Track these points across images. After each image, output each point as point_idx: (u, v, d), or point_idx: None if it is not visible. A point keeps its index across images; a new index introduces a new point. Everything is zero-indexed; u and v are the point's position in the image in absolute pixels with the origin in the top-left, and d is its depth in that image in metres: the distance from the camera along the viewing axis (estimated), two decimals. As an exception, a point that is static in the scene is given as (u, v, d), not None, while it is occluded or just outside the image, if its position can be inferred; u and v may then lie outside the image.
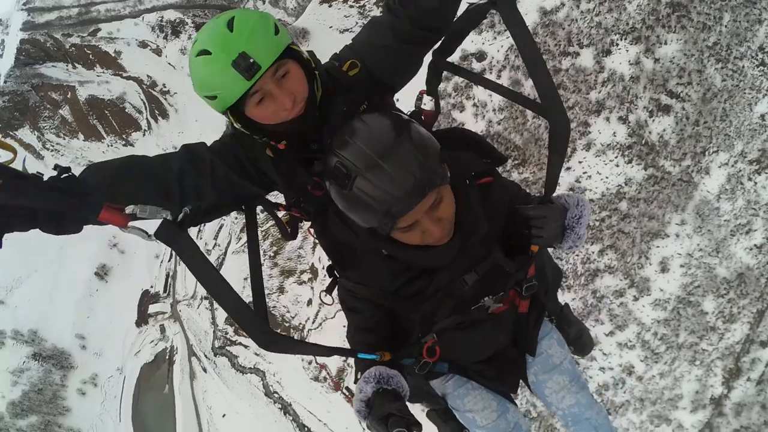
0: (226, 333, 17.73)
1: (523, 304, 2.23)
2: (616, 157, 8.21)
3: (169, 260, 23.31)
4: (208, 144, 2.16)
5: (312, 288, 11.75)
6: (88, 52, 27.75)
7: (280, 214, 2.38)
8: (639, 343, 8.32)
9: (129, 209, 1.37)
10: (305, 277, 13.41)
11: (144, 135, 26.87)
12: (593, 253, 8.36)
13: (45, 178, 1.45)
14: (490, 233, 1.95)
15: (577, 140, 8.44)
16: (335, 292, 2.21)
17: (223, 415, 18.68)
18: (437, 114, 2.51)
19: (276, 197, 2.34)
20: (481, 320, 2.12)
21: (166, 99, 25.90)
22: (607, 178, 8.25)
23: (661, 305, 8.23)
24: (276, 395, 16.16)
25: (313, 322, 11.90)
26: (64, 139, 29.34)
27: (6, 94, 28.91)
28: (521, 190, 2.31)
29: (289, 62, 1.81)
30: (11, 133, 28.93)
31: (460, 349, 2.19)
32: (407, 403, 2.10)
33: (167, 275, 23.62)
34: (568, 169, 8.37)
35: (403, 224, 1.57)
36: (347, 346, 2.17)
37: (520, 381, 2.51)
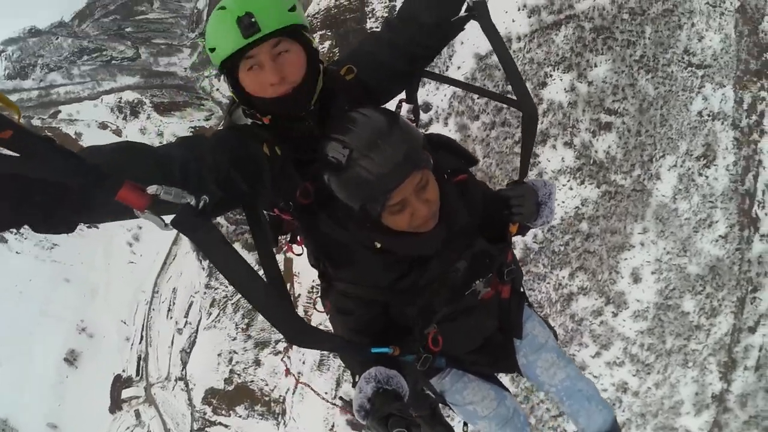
0: (205, 413, 17.08)
1: (505, 290, 2.32)
2: (568, 181, 8.35)
3: (140, 342, 22.88)
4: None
5: (288, 357, 11.55)
6: (49, 134, 27.65)
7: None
8: (627, 359, 8.32)
9: (152, 189, 1.19)
10: (280, 346, 13.29)
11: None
12: (564, 277, 8.42)
13: None
14: (471, 224, 2.04)
15: (529, 172, 8.46)
16: (333, 298, 2.17)
17: None
18: (416, 122, 2.60)
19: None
20: (471, 308, 2.18)
21: (129, 179, 25.83)
22: (563, 202, 8.37)
23: (641, 316, 8.27)
24: None
25: (293, 393, 11.78)
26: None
27: (-35, 177, 28.47)
28: (489, 187, 2.42)
29: (293, 43, 1.80)
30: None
31: (454, 339, 2.19)
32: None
33: (139, 357, 23.04)
34: (525, 199, 8.48)
35: (393, 201, 1.63)
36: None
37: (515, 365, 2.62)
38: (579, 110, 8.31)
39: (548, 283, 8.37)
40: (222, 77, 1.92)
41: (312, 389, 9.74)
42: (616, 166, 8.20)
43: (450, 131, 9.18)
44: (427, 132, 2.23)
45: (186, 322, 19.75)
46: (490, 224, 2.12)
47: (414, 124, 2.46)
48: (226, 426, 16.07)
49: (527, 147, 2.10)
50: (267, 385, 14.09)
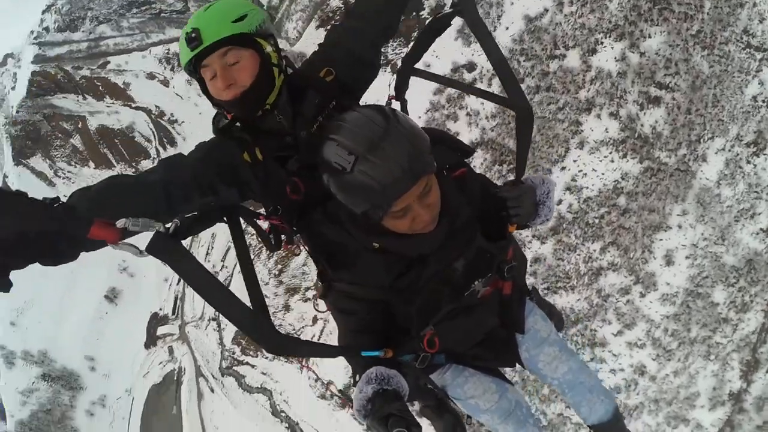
0: (234, 353, 17.77)
1: (506, 286, 2.31)
2: (610, 153, 8.12)
3: (178, 283, 23.50)
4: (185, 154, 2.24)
5: (317, 305, 11.69)
6: (98, 83, 28.33)
7: (264, 225, 2.35)
8: (649, 341, 8.11)
9: (120, 223, 1.33)
10: (310, 293, 13.50)
11: (153, 162, 27.06)
12: (595, 251, 8.22)
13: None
14: (470, 219, 2.03)
15: (570, 139, 8.38)
16: (333, 299, 2.22)
17: None
18: None
19: (252, 205, 2.35)
20: (470, 306, 2.17)
21: (174, 128, 26.27)
22: (603, 174, 8.15)
23: (669, 300, 8.03)
24: (283, 414, 16.05)
25: (318, 339, 11.91)
26: (75, 167, 29.95)
27: (18, 124, 29.69)
28: (489, 180, 2.44)
29: (243, 51, 1.96)
30: (24, 161, 29.49)
31: (454, 337, 2.21)
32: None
33: (176, 297, 23.79)
34: (563, 168, 8.32)
35: (397, 207, 1.62)
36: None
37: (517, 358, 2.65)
38: (628, 81, 8.04)
39: (578, 254, 8.20)
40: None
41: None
42: (661, 142, 7.93)
43: (493, 90, 8.97)
44: (423, 127, 2.10)
45: (222, 265, 20.19)
46: (488, 221, 2.11)
47: None
48: (252, 366, 16.61)
49: (522, 147, 2.05)
50: (294, 330, 14.29)
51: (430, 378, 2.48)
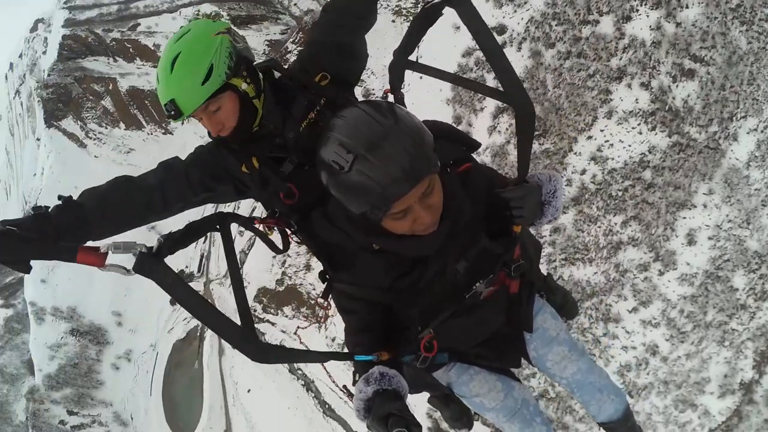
0: (255, 310, 18.24)
1: (513, 284, 2.25)
2: (638, 125, 7.92)
3: (204, 242, 24.07)
4: (183, 158, 2.41)
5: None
6: (128, 45, 28.69)
7: (259, 227, 2.52)
8: (664, 321, 7.99)
9: (103, 248, 1.43)
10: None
11: (182, 124, 27.54)
12: (616, 224, 8.09)
13: (50, 208, 1.87)
14: (474, 218, 1.97)
15: (599, 108, 8.19)
16: (335, 297, 2.22)
17: (248, 390, 19.31)
18: None
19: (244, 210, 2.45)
20: (473, 306, 2.12)
21: (204, 88, 26.68)
22: (629, 146, 7.97)
23: (687, 280, 7.87)
24: (299, 372, 16.60)
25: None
26: (106, 128, 30.54)
27: (50, 87, 30.26)
28: (497, 174, 2.34)
29: (221, 97, 2.09)
30: (55, 123, 30.11)
31: (457, 336, 2.19)
32: (414, 394, 2.34)
33: (201, 256, 24.45)
34: (590, 137, 8.16)
35: (397, 209, 1.58)
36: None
37: (521, 358, 2.53)
38: (662, 51, 7.81)
39: (599, 226, 8.08)
40: None
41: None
42: (692, 117, 7.71)
43: (522, 56, 8.90)
44: (425, 120, 2.02)
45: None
46: (494, 218, 2.04)
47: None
48: (273, 324, 17.07)
49: (524, 145, 1.89)
50: (314, 289, 14.69)
51: (433, 376, 2.48)
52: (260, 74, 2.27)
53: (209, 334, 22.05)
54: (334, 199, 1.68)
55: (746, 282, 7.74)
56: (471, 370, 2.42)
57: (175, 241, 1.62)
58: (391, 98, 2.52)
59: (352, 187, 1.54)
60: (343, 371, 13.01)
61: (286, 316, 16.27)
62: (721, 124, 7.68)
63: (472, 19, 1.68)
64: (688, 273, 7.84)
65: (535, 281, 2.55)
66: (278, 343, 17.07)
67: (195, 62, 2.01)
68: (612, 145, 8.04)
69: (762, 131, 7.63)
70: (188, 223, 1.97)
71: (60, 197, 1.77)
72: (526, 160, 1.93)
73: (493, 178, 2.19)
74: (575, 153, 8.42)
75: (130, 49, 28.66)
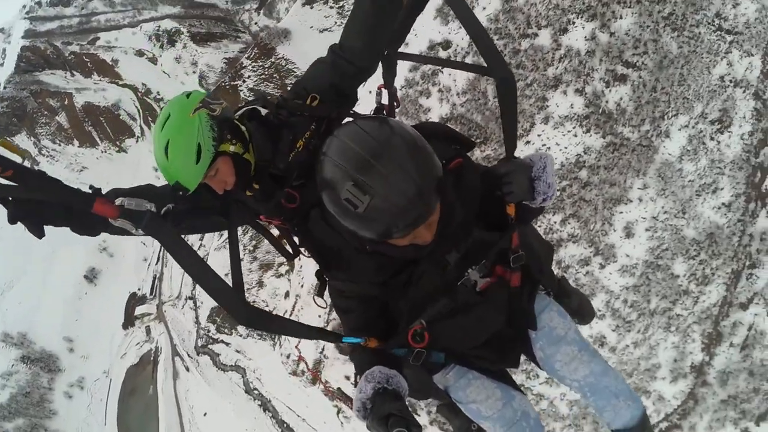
0: (209, 331, 18.14)
1: (514, 278, 2.19)
2: (574, 128, 8.27)
3: (156, 263, 23.78)
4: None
5: (289, 280, 11.91)
6: (87, 60, 28.42)
7: (274, 230, 2.76)
8: (609, 312, 8.31)
9: (118, 201, 1.59)
10: (282, 269, 13.57)
11: (137, 141, 27.54)
12: (555, 222, 8.40)
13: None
14: (467, 218, 1.98)
15: (536, 114, 8.51)
16: (332, 296, 2.22)
17: (204, 414, 19.20)
18: (397, 106, 2.74)
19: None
20: (473, 303, 2.10)
21: (159, 106, 26.37)
22: (566, 148, 8.30)
23: (628, 271, 8.22)
24: (256, 392, 16.49)
25: (290, 315, 12.12)
26: (60, 145, 30.17)
27: (5, 100, 29.80)
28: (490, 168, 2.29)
29: (215, 165, 2.28)
30: (8, 138, 29.53)
31: (454, 335, 2.16)
32: (420, 400, 2.44)
33: (154, 277, 24.23)
34: (528, 143, 8.44)
35: (402, 236, 1.62)
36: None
37: (527, 359, 2.50)
38: (596, 59, 8.18)
39: (539, 225, 8.36)
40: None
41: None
42: (625, 118, 8.08)
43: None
44: (421, 122, 2.09)
45: (200, 244, 20.49)
46: (490, 210, 2.05)
47: (396, 105, 2.72)
48: (227, 344, 16.98)
49: (509, 118, 1.89)
50: (267, 306, 14.65)
51: (427, 375, 2.44)
52: (243, 127, 2.42)
53: (163, 357, 21.64)
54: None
55: (686, 268, 8.10)
56: (470, 374, 2.38)
57: (181, 212, 1.84)
58: (385, 94, 2.66)
59: (363, 222, 1.56)
60: (299, 388, 13.07)
61: (240, 335, 16.15)
62: (653, 123, 8.06)
63: (456, 4, 1.80)
64: (628, 264, 8.16)
65: (543, 281, 2.52)
66: (233, 363, 17.10)
67: (184, 147, 2.18)
68: (549, 148, 8.35)
69: (693, 127, 8.04)
70: (193, 201, 2.31)
71: (91, 187, 1.85)
72: (513, 135, 1.94)
73: (486, 171, 2.18)
74: (514, 158, 8.67)
75: (88, 64, 28.37)
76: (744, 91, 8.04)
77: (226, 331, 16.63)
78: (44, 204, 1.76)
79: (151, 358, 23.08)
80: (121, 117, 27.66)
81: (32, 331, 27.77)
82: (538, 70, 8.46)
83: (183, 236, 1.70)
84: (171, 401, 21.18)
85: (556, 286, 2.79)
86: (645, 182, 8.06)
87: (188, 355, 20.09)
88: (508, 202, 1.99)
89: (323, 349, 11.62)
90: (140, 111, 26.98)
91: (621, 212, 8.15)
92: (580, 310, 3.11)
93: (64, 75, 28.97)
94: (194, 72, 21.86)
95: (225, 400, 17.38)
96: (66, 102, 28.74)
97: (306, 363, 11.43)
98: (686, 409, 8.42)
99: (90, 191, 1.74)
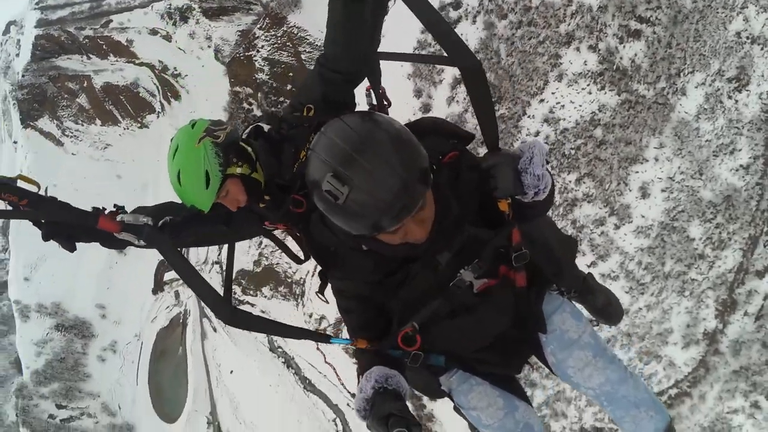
0: (235, 293, 18.62)
1: (519, 278, 2.06)
2: (588, 85, 8.17)
3: None
4: None
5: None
6: (101, 42, 28.48)
7: (277, 232, 3.00)
8: (623, 274, 8.26)
9: (119, 217, 1.88)
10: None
11: (158, 117, 27.82)
12: (570, 182, 8.36)
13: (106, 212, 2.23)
14: (463, 213, 1.90)
15: (549, 72, 8.42)
16: (335, 296, 2.19)
17: (231, 372, 20.01)
18: (389, 105, 2.79)
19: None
20: (473, 305, 2.02)
21: (177, 81, 26.48)
22: (580, 106, 8.21)
23: (644, 233, 8.14)
24: (279, 350, 17.18)
25: (312, 276, 12.35)
26: (83, 125, 30.48)
27: (24, 87, 30.18)
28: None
29: (226, 185, 2.46)
30: (31, 123, 29.99)
31: (454, 338, 2.10)
32: (434, 399, 2.43)
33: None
34: (542, 101, 8.39)
35: (391, 229, 1.58)
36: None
37: (542, 363, 2.38)
38: (609, 15, 8.01)
39: (554, 185, 8.28)
40: None
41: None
42: (640, 75, 7.96)
43: (477, 29, 9.10)
44: (419, 118, 1.99)
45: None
46: (488, 205, 1.93)
47: (387, 106, 2.75)
48: (252, 305, 17.40)
49: (484, 108, 1.73)
50: (290, 268, 14.95)
51: (431, 376, 2.38)
52: (249, 148, 2.58)
53: (191, 319, 22.41)
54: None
55: (702, 232, 7.98)
56: (473, 380, 2.30)
57: (179, 223, 1.98)
58: (372, 95, 2.70)
59: (348, 216, 1.54)
60: (320, 347, 13.33)
61: (265, 297, 16.58)
62: (668, 80, 7.92)
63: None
64: (643, 225, 8.10)
65: (567, 282, 2.44)
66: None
67: (194, 175, 2.37)
68: (563, 106, 8.28)
69: (710, 85, 7.85)
70: (195, 212, 2.47)
71: (115, 206, 2.23)
72: (491, 124, 1.79)
73: (472, 165, 2.04)
74: (529, 116, 8.66)
75: (104, 46, 28.42)
76: (762, 48, 7.78)
77: (251, 293, 17.18)
78: (75, 228, 2.06)
79: (180, 321, 23.99)
80: (140, 94, 27.83)
81: (65, 301, 28.71)
82: (550, 27, 8.35)
83: (189, 247, 1.89)
84: (199, 360, 22.05)
85: (580, 284, 2.70)
86: (661, 141, 7.95)
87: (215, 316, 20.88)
88: (496, 197, 1.84)
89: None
90: (159, 87, 27.10)
91: (637, 172, 8.07)
92: (607, 308, 2.94)
93: (80, 59, 29.23)
94: (209, 46, 21.84)
95: (250, 358, 18.22)
96: (85, 84, 29.01)
97: (328, 323, 11.60)
98: (697, 377, 8.31)
99: (93, 210, 2.10)
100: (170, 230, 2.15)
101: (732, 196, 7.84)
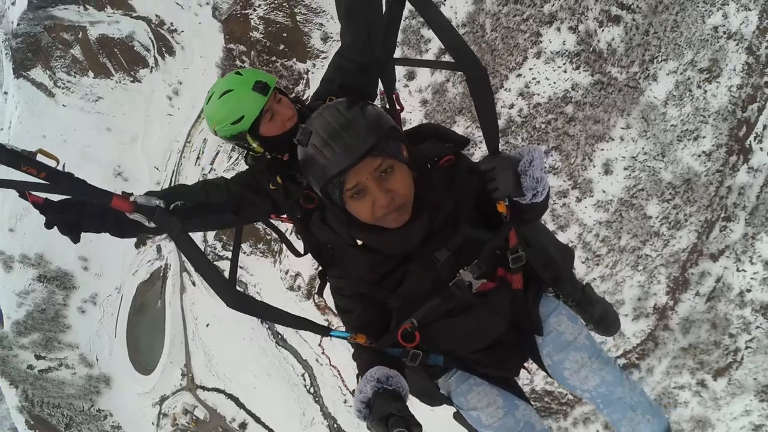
0: (215, 248, 19.03)
1: (515, 280, 2.07)
2: (564, 64, 8.53)
3: (169, 186, 24.67)
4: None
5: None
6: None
7: (277, 223, 2.97)
8: (580, 244, 8.68)
9: (132, 197, 1.83)
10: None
11: (151, 72, 27.58)
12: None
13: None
14: (459, 213, 1.90)
15: (529, 49, 8.75)
16: (333, 296, 2.21)
17: (207, 325, 20.71)
18: (401, 110, 2.83)
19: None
20: (470, 304, 2.02)
21: (173, 37, 26.33)
22: (554, 83, 8.57)
23: (603, 207, 8.54)
24: None
25: (291, 234, 12.64)
26: (75, 77, 30.17)
27: (19, 36, 29.73)
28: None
29: (276, 97, 2.54)
30: (24, 73, 29.79)
31: (451, 337, 2.09)
32: (433, 406, 2.49)
33: None
34: (519, 75, 8.74)
35: (349, 184, 1.63)
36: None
37: (538, 365, 2.37)
38: (592, -1, 8.37)
39: (550, 189, 8.64)
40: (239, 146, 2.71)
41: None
42: (615, 59, 8.31)
43: (466, 3, 9.40)
44: (418, 124, 2.09)
45: (211, 168, 21.06)
46: (486, 208, 1.96)
47: (399, 110, 2.80)
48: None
49: (487, 113, 1.76)
50: (260, 230, 15.17)
51: (429, 380, 2.41)
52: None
53: (172, 273, 22.65)
54: (327, 205, 1.83)
55: (660, 210, 8.36)
56: (471, 380, 2.30)
57: (190, 209, 2.03)
58: (385, 100, 2.74)
59: (309, 159, 1.66)
60: (295, 302, 13.71)
61: (244, 253, 16.84)
62: (642, 66, 8.27)
63: (420, 2, 1.68)
64: (603, 200, 8.51)
65: (566, 290, 2.50)
66: (236, 278, 18.10)
67: (249, 84, 2.49)
68: (539, 82, 8.63)
69: (681, 73, 8.22)
70: (205, 199, 2.50)
71: (123, 192, 2.07)
72: (493, 128, 1.81)
73: (472, 168, 2.09)
74: (505, 89, 9.02)
75: (101, -4, 28.36)
76: (737, 44, 8.14)
77: (230, 248, 17.48)
78: (83, 215, 2.01)
79: (161, 275, 24.08)
80: (135, 48, 27.56)
81: (49, 252, 28.59)
82: (535, 6, 8.66)
83: (196, 232, 2.10)
84: (177, 314, 22.50)
85: (578, 294, 2.72)
86: (628, 122, 8.32)
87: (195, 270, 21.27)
88: (494, 199, 1.86)
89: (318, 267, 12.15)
90: (154, 42, 26.88)
91: (602, 149, 8.45)
92: (605, 320, 3.00)
93: (77, 9, 28.78)
94: (207, 3, 21.80)
95: (226, 312, 18.29)
96: (80, 35, 28.64)
97: (302, 280, 11.94)
98: (645, 350, 8.72)
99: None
100: (181, 214, 2.05)
101: (692, 179, 8.21)
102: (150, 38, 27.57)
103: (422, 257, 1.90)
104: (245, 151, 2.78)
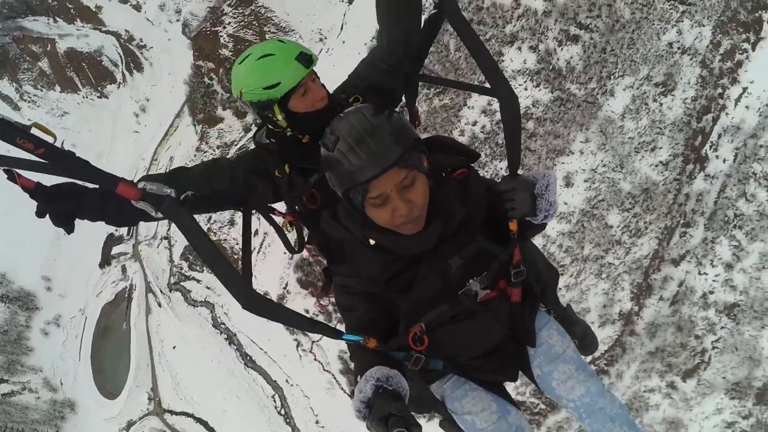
0: (182, 269, 18.78)
1: (515, 293, 2.13)
2: (525, 82, 8.78)
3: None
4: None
5: (258, 218, 12.40)
6: (70, 6, 27.78)
7: (278, 219, 2.83)
8: (545, 255, 8.79)
9: (140, 184, 1.65)
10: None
11: (119, 87, 27.18)
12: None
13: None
14: (471, 222, 1.96)
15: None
16: (336, 294, 2.22)
17: (174, 347, 20.17)
18: (418, 124, 2.84)
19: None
20: (475, 311, 2.06)
21: (142, 53, 26.04)
22: (516, 100, 8.75)
23: (565, 218, 8.75)
24: (223, 326, 17.41)
25: (258, 252, 12.65)
26: (42, 90, 29.55)
27: (-13, 47, 29.26)
28: (495, 182, 2.22)
29: (312, 75, 2.40)
30: (-15, 84, 29.28)
31: (456, 343, 2.13)
32: (422, 414, 2.44)
33: None
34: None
35: (373, 193, 1.65)
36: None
37: (526, 376, 2.43)
38: (552, 19, 8.67)
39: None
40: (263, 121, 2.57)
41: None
42: (573, 76, 8.60)
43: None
44: (430, 135, 2.14)
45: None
46: (495, 223, 2.03)
47: (417, 124, 2.77)
48: (198, 281, 17.54)
49: (513, 137, 1.84)
50: (237, 243, 15.11)
51: (430, 390, 2.45)
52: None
53: (137, 294, 22.15)
54: (340, 201, 1.83)
55: (620, 220, 8.62)
56: (466, 385, 2.32)
57: (200, 199, 1.90)
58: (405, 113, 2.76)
59: (334, 165, 1.67)
60: (262, 323, 13.62)
61: (211, 272, 16.75)
62: (599, 82, 8.57)
63: (461, 25, 1.78)
64: (565, 212, 8.72)
65: (547, 304, 2.53)
66: (203, 299, 17.81)
67: (292, 52, 2.38)
68: (499, 99, 8.86)
69: (637, 88, 8.52)
70: (214, 189, 2.37)
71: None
72: (517, 153, 1.89)
73: (493, 185, 2.11)
74: (468, 107, 9.28)
75: (71, 10, 27.81)
76: (691, 59, 8.49)
77: (197, 268, 17.21)
78: (80, 203, 1.89)
79: (126, 296, 23.50)
80: (103, 63, 27.18)
81: (11, 270, 27.64)
82: (498, 26, 8.94)
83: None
84: (143, 336, 21.99)
85: (561, 312, 2.73)
86: (587, 136, 8.59)
87: (161, 291, 20.69)
88: (510, 218, 1.92)
89: (286, 285, 12.18)
90: (122, 57, 26.55)
91: (563, 163, 8.70)
92: (584, 340, 3.01)
93: (47, 21, 28.28)
94: (178, 20, 21.74)
95: (193, 333, 18.22)
96: (48, 48, 28.16)
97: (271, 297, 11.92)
98: (614, 356, 8.91)
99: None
100: (191, 205, 1.92)
101: (650, 189, 8.50)
102: (119, 53, 27.23)
103: (432, 261, 1.94)
104: (259, 126, 2.66)
